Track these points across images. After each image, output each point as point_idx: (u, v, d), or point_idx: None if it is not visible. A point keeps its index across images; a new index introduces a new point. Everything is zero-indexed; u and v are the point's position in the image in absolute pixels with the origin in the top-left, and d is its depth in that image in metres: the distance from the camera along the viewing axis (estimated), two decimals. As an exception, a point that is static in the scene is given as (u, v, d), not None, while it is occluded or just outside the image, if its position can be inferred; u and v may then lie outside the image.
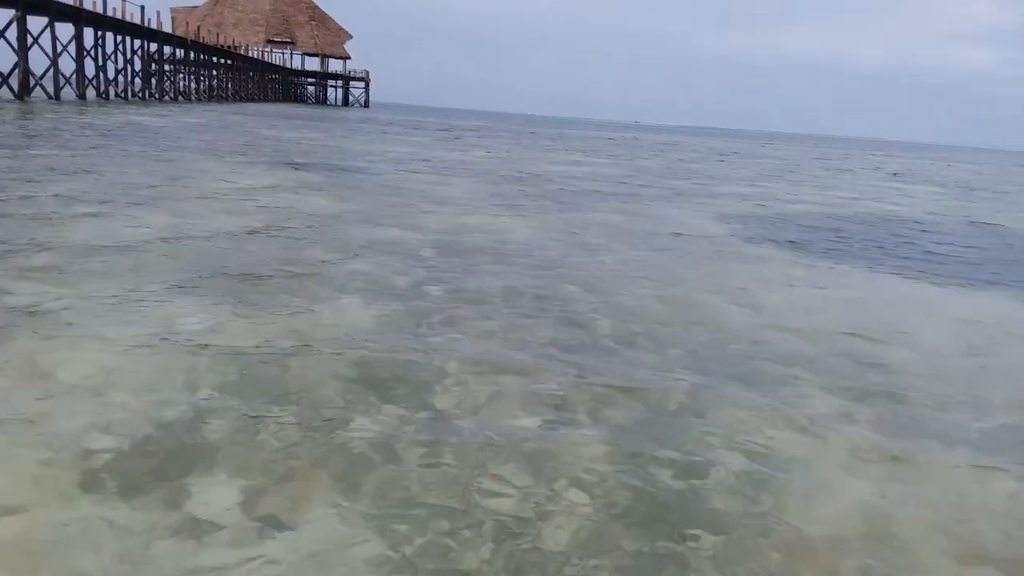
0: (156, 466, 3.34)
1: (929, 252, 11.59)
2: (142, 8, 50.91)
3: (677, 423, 4.24)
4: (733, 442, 4.02)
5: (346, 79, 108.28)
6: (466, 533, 3.01)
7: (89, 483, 3.16)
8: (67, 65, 42.27)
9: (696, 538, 3.10)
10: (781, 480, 3.64)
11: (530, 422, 4.10)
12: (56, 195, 10.14)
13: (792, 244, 11.32)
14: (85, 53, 44.00)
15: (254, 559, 2.76)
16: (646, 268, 8.57)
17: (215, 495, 3.15)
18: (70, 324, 5.08)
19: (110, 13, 46.46)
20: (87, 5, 43.19)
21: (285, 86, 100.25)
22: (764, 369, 5.27)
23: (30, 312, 5.24)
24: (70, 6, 41.12)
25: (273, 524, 2.98)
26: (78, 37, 43.00)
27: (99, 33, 46.76)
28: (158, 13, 54.82)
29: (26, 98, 37.50)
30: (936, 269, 10.04)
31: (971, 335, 6.77)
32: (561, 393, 4.53)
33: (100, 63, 47.52)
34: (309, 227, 9.46)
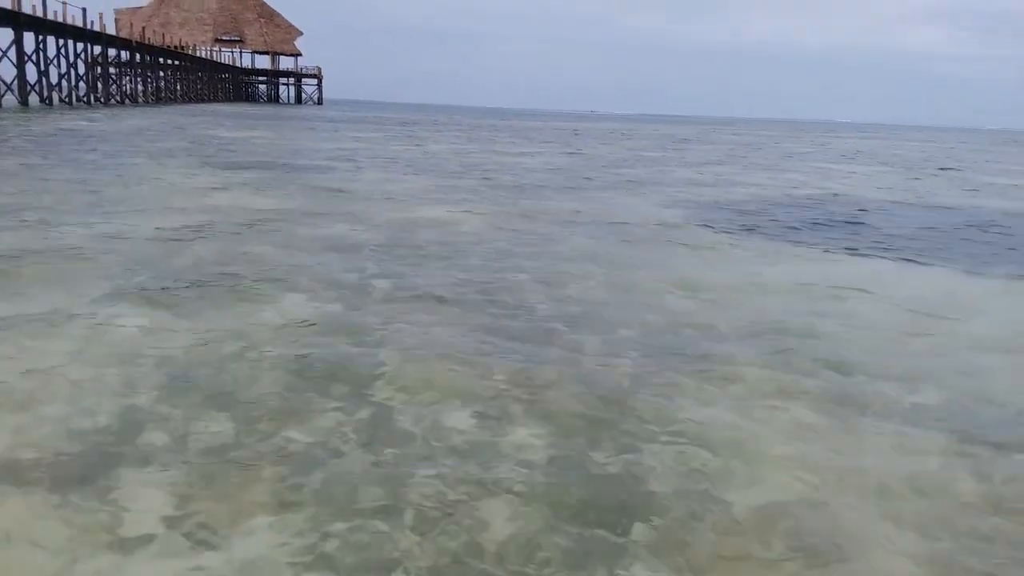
0: (88, 472, 3.29)
1: (872, 232, 11.81)
2: (84, 10, 49.75)
3: (618, 408, 4.28)
4: (674, 425, 4.08)
5: (298, 76, 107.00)
6: (403, 527, 3.01)
7: (17, 489, 3.12)
8: (7, 71, 41.25)
9: (634, 519, 3.14)
10: (719, 460, 3.71)
11: (470, 414, 4.12)
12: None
13: (739, 228, 11.46)
14: (26, 58, 42.90)
15: (186, 565, 2.74)
16: (594, 256, 8.61)
17: (148, 499, 3.12)
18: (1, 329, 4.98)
19: (51, 16, 45.32)
20: (26, 9, 42.06)
21: (235, 85, 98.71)
22: (707, 351, 5.34)
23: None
24: (7, 10, 40.00)
25: (207, 528, 2.96)
26: (18, 42, 41.90)
27: (40, 37, 45.58)
28: (101, 15, 53.51)
29: (-35, 107, 36.54)
30: (879, 248, 10.24)
31: (909, 312, 6.91)
32: (503, 384, 4.55)
33: (42, 68, 46.34)
34: (252, 227, 9.35)
